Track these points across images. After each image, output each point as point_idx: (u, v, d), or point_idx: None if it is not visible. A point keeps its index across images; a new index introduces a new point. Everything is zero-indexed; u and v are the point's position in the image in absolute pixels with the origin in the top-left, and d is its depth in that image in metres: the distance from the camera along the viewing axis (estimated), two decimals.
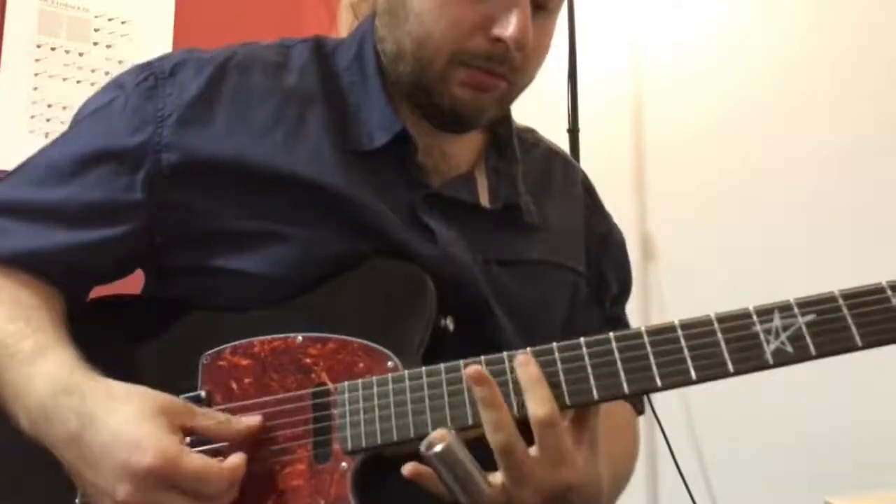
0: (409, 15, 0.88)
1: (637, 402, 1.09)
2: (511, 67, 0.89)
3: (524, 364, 0.75)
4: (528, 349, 0.77)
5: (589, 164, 1.92)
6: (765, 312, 0.73)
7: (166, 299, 0.93)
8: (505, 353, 0.78)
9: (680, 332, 0.74)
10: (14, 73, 2.16)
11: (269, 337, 0.86)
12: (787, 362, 0.72)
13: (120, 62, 2.29)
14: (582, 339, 0.76)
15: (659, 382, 0.74)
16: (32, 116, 2.17)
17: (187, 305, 0.90)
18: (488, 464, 0.75)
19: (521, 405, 0.75)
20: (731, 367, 0.72)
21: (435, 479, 0.74)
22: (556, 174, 1.09)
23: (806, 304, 0.72)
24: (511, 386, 0.76)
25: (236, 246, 0.88)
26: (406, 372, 0.81)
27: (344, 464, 0.80)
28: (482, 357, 0.78)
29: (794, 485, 1.77)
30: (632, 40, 2.23)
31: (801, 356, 0.72)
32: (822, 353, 0.72)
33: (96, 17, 2.29)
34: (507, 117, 1.03)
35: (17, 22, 2.18)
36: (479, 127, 0.96)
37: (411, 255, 0.89)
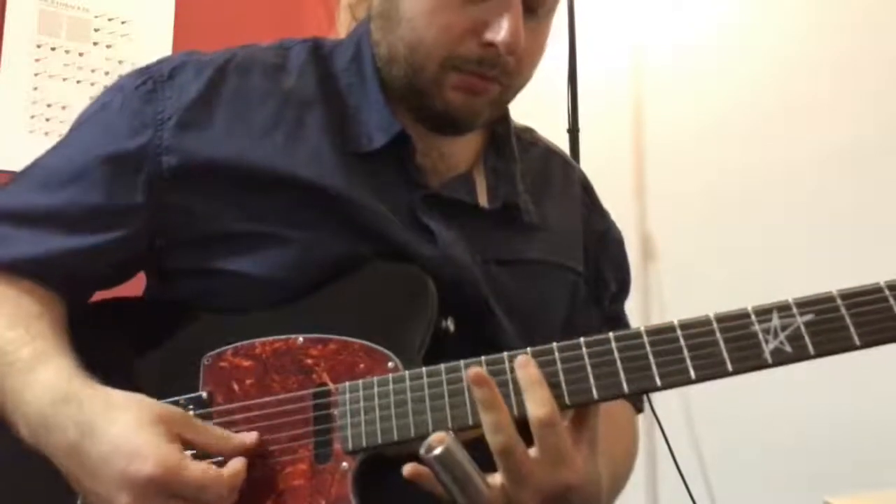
0: (402, 20, 0.89)
1: (637, 400, 1.09)
2: (503, 71, 0.89)
3: (524, 365, 0.76)
4: (528, 349, 0.77)
5: (589, 164, 1.93)
6: (763, 312, 0.73)
7: (168, 301, 0.93)
8: (505, 354, 0.78)
9: (679, 332, 0.74)
10: (14, 73, 2.16)
11: (270, 338, 0.86)
12: (785, 362, 0.72)
13: (120, 62, 2.30)
14: (581, 339, 0.77)
15: (658, 382, 0.74)
16: (32, 116, 2.17)
17: (188, 307, 0.90)
18: (488, 465, 0.75)
19: (521, 405, 0.75)
20: (730, 367, 0.73)
21: (434, 480, 0.74)
22: (555, 174, 1.09)
23: (804, 304, 0.73)
24: (511, 386, 0.76)
25: (237, 248, 0.88)
26: (407, 372, 0.81)
27: (345, 463, 0.80)
28: (482, 357, 0.78)
29: (793, 485, 1.77)
30: (632, 41, 2.23)
31: (800, 356, 0.72)
32: (821, 353, 0.72)
33: (96, 17, 2.29)
34: (505, 117, 1.03)
35: (17, 22, 2.18)
36: (475, 129, 0.96)
37: (411, 256, 0.89)
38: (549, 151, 1.12)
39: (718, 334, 0.73)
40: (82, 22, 2.27)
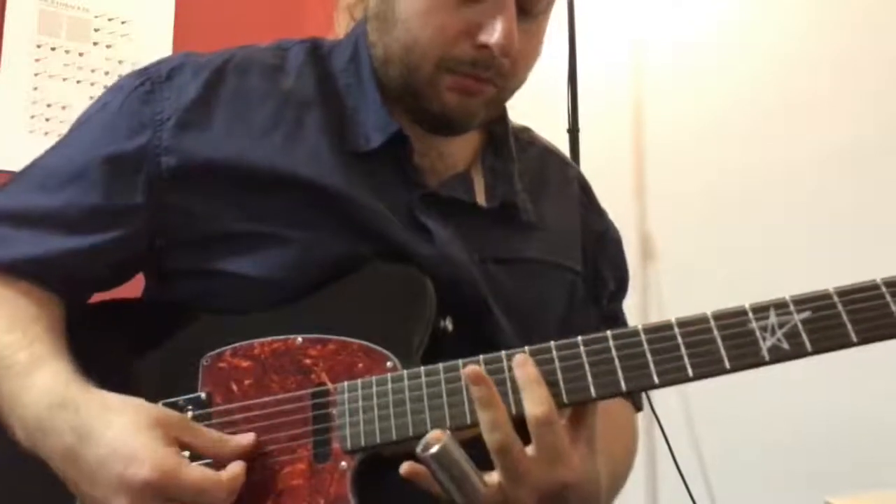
0: (397, 21, 0.89)
1: (636, 398, 1.09)
2: (498, 73, 0.89)
3: (521, 364, 0.76)
4: (526, 348, 0.77)
5: (589, 164, 1.94)
6: (761, 310, 0.74)
7: (167, 302, 0.93)
8: (503, 352, 0.78)
9: (677, 330, 0.75)
10: (14, 73, 2.16)
11: (269, 338, 0.86)
12: (783, 359, 0.73)
13: (120, 62, 2.30)
14: (579, 338, 0.77)
15: (656, 379, 0.74)
16: (32, 116, 2.17)
17: (188, 308, 0.90)
18: (485, 463, 0.75)
19: (519, 403, 0.75)
20: (727, 364, 0.73)
21: (431, 478, 0.74)
22: (552, 173, 1.09)
23: (801, 302, 0.73)
24: (509, 384, 0.76)
25: (236, 248, 0.89)
26: (405, 372, 0.81)
27: (343, 463, 0.80)
28: (480, 356, 0.78)
29: (793, 484, 1.77)
30: (632, 40, 2.23)
31: (797, 353, 0.72)
32: (818, 350, 0.72)
33: (96, 17, 2.29)
34: (503, 117, 1.03)
35: (17, 22, 2.18)
36: (471, 130, 0.96)
37: (410, 255, 0.89)
38: (547, 151, 1.12)
39: (716, 332, 0.74)
40: (82, 22, 2.27)
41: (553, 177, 1.08)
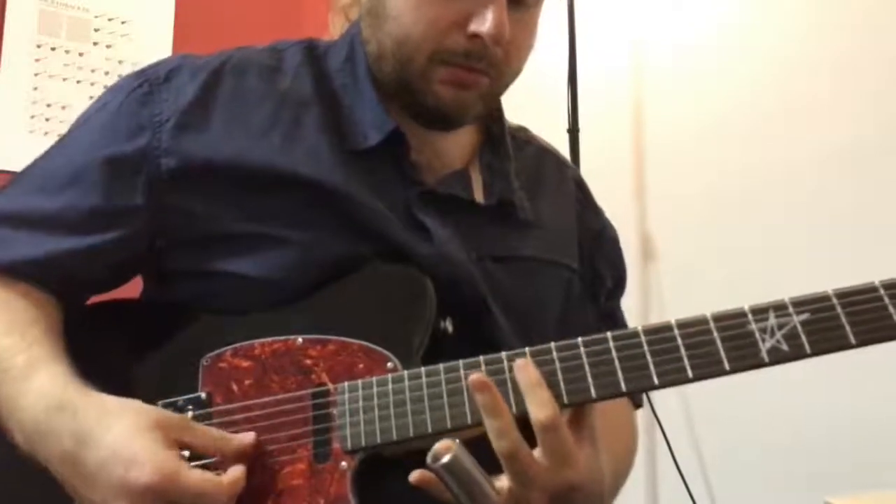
0: (389, 16, 0.89)
1: (635, 395, 1.09)
2: (491, 63, 0.89)
3: (523, 368, 0.76)
4: (527, 349, 0.77)
5: (589, 164, 1.94)
6: (760, 311, 0.74)
7: (166, 303, 0.93)
8: (503, 353, 0.78)
9: (676, 331, 0.75)
10: (14, 73, 2.16)
11: (269, 339, 0.86)
12: (782, 360, 0.73)
13: (120, 62, 2.30)
14: (579, 339, 0.77)
15: (656, 381, 0.74)
16: (32, 116, 2.17)
17: (187, 308, 0.90)
18: (491, 464, 0.75)
19: (520, 403, 0.75)
20: (727, 366, 0.73)
21: (442, 486, 0.74)
22: (549, 171, 1.09)
23: (800, 304, 0.73)
24: (510, 385, 0.76)
25: (236, 249, 0.89)
26: (405, 372, 0.81)
27: (343, 463, 0.80)
28: (481, 357, 0.79)
29: (793, 485, 1.77)
30: (632, 40, 2.23)
31: (797, 354, 0.73)
32: (817, 352, 0.72)
33: (96, 17, 2.29)
34: (499, 115, 1.03)
35: (17, 22, 2.18)
36: (467, 124, 0.97)
37: (409, 255, 0.89)
38: (543, 150, 1.12)
39: (715, 333, 0.74)
40: (82, 22, 2.27)
41: (549, 175, 1.09)
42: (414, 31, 0.88)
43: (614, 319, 1.11)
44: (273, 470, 0.81)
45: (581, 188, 1.13)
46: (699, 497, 1.92)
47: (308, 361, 0.84)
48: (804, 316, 0.73)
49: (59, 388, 0.80)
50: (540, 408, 0.74)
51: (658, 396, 1.84)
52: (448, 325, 0.88)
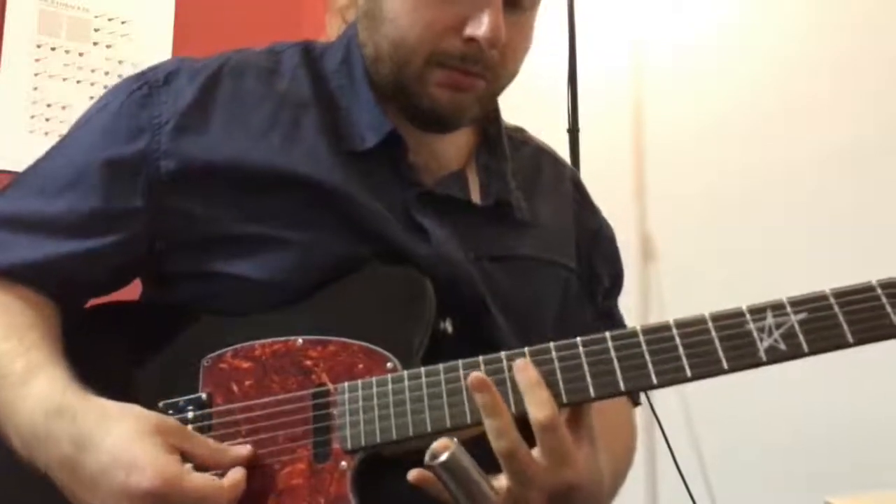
0: (385, 19, 0.89)
1: (633, 394, 1.09)
2: (487, 66, 0.89)
3: (523, 369, 0.76)
4: (526, 349, 0.78)
5: (589, 164, 1.94)
6: (758, 311, 0.74)
7: (166, 304, 0.93)
8: (503, 353, 0.78)
9: (675, 331, 0.75)
10: (14, 73, 2.16)
11: (269, 340, 0.86)
12: (780, 359, 0.73)
13: (120, 62, 2.30)
14: (578, 339, 0.77)
15: (654, 380, 0.75)
16: (32, 116, 2.17)
17: (187, 310, 0.90)
18: (490, 463, 0.75)
19: (519, 403, 0.75)
20: (725, 365, 0.74)
21: (440, 485, 0.74)
22: (546, 172, 1.09)
23: (798, 303, 0.74)
24: (509, 385, 0.77)
25: (236, 251, 0.89)
26: (405, 372, 0.81)
27: (343, 463, 0.80)
28: (480, 357, 0.79)
29: (793, 485, 1.77)
30: (632, 40, 2.23)
31: (794, 353, 0.73)
32: (815, 351, 0.73)
33: (96, 17, 2.29)
34: (496, 116, 1.03)
35: (17, 22, 2.18)
36: (464, 126, 0.97)
37: (408, 256, 0.89)
38: (540, 150, 1.12)
39: (714, 333, 0.74)
40: (82, 22, 2.27)
41: (546, 175, 1.09)
42: (410, 34, 0.88)
43: (612, 318, 1.11)
44: (273, 470, 0.81)
45: (578, 188, 1.13)
46: (699, 497, 1.92)
47: (308, 362, 0.84)
48: (802, 315, 0.73)
49: (57, 392, 0.79)
50: (539, 407, 0.74)
51: (658, 396, 1.84)
52: (447, 326, 0.88)
